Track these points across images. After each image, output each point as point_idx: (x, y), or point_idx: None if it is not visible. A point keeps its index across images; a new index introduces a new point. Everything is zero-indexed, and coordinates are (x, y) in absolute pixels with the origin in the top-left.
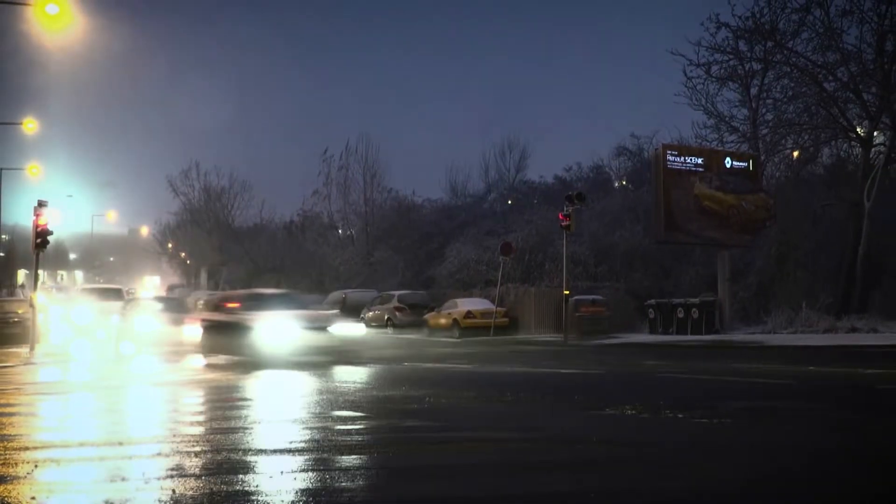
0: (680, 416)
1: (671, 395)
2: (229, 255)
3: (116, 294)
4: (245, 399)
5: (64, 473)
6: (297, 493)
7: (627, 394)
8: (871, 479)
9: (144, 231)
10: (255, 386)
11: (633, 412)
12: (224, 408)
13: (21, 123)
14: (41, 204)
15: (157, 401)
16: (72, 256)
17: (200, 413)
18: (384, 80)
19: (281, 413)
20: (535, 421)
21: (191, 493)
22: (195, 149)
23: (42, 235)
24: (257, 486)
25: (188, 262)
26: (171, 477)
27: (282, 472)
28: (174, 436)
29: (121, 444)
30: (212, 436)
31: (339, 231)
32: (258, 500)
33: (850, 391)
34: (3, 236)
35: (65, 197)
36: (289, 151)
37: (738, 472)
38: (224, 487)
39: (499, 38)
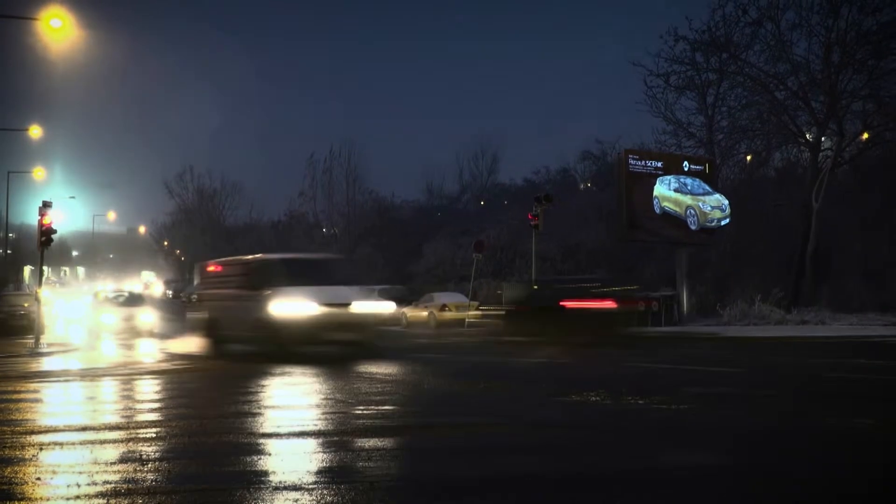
0: (640, 402)
1: (634, 383)
2: (221, 253)
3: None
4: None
5: (67, 456)
6: (289, 472)
7: (593, 381)
8: (804, 446)
9: (142, 230)
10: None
11: (597, 398)
12: (218, 393)
13: (27, 129)
14: (45, 204)
15: (156, 389)
16: (74, 253)
17: (197, 399)
18: (366, 86)
19: (283, 404)
20: (505, 406)
21: (188, 472)
22: (189, 152)
23: (46, 234)
24: (260, 465)
25: (183, 258)
26: (168, 459)
27: (272, 454)
28: (171, 421)
29: (120, 428)
30: (206, 422)
31: (324, 230)
32: (263, 480)
33: (801, 378)
34: (10, 235)
35: (67, 198)
36: (277, 155)
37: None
38: (217, 469)
39: (477, 47)
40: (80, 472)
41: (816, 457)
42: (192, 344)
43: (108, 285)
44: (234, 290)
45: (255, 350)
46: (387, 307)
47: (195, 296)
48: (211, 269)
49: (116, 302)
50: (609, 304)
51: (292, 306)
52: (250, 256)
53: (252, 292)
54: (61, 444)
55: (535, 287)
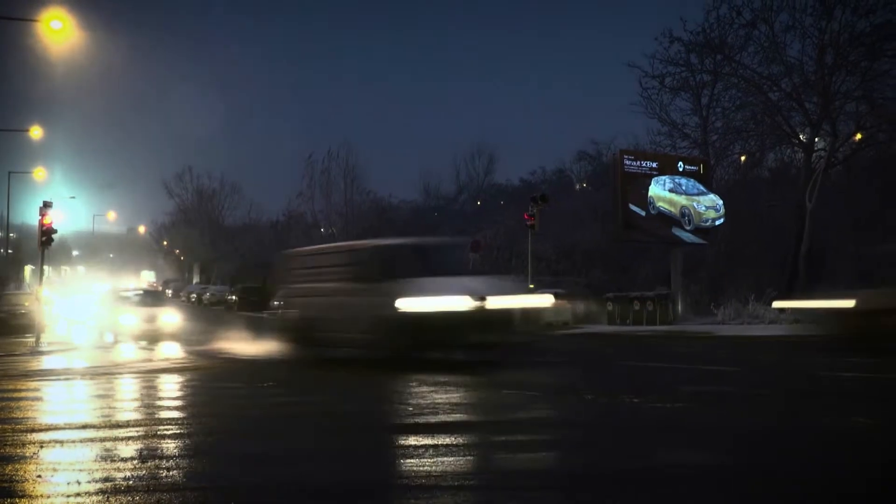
0: (636, 400)
1: (628, 382)
2: (220, 252)
3: None
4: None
5: (67, 454)
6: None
7: (587, 380)
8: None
9: (142, 230)
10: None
11: (592, 397)
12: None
13: (28, 130)
14: (46, 204)
15: (155, 387)
16: (74, 253)
17: (194, 398)
18: (365, 86)
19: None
20: (508, 406)
21: (183, 471)
22: (189, 153)
23: (47, 234)
24: (255, 468)
25: (182, 258)
26: (167, 457)
27: (261, 459)
28: (169, 419)
29: (120, 426)
30: (206, 420)
31: (322, 230)
32: (260, 479)
33: (796, 377)
34: (11, 235)
35: (68, 198)
36: (275, 155)
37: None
38: (217, 468)
39: (474, 47)
40: (81, 470)
41: (815, 456)
42: (256, 346)
43: (126, 283)
44: (338, 283)
45: (364, 355)
46: (546, 300)
47: (278, 301)
48: (300, 258)
49: (134, 301)
50: None
51: (434, 301)
52: (360, 242)
53: (366, 285)
54: (62, 442)
55: None
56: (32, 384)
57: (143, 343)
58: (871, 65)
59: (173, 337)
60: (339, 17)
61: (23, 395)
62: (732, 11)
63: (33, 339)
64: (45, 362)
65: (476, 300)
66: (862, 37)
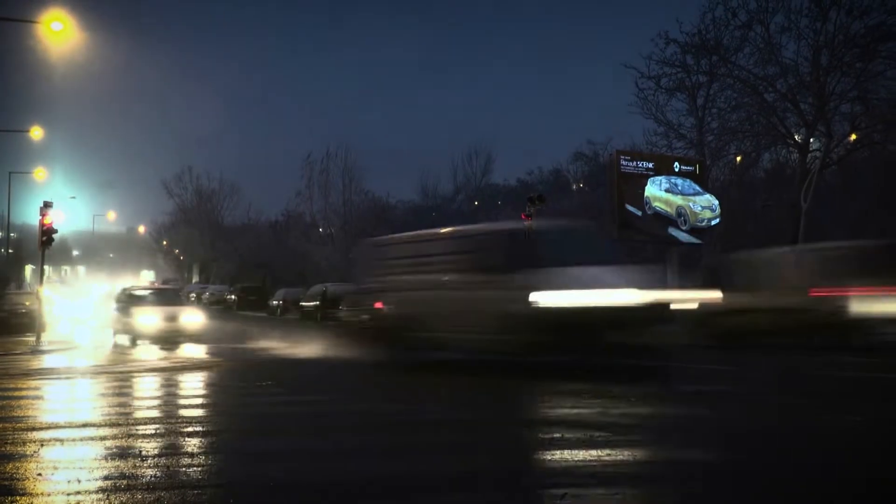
0: (633, 398)
1: (626, 380)
2: (219, 252)
3: None
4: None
5: (68, 452)
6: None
7: (585, 378)
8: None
9: (141, 230)
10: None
11: (588, 395)
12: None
13: (28, 131)
14: (46, 205)
15: (153, 386)
16: (74, 253)
17: (195, 397)
18: (362, 86)
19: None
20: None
21: (183, 470)
22: (188, 153)
23: (47, 234)
24: (260, 464)
25: (181, 258)
26: (166, 455)
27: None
28: (169, 418)
29: (119, 425)
30: (205, 417)
31: (321, 230)
32: (273, 475)
33: (793, 376)
34: (12, 234)
35: (68, 198)
36: (275, 155)
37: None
38: (216, 465)
39: (470, 48)
40: (81, 468)
41: (814, 454)
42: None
43: (138, 281)
44: (450, 274)
45: (476, 357)
46: (715, 295)
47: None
48: (392, 247)
49: (150, 300)
50: None
51: (583, 295)
52: (480, 227)
53: (490, 276)
54: (62, 441)
55: None
56: (33, 383)
57: (163, 344)
58: (865, 66)
59: (195, 338)
60: (340, 17)
61: (23, 393)
62: (728, 13)
63: (34, 339)
64: (45, 361)
65: (643, 293)
66: (856, 38)
